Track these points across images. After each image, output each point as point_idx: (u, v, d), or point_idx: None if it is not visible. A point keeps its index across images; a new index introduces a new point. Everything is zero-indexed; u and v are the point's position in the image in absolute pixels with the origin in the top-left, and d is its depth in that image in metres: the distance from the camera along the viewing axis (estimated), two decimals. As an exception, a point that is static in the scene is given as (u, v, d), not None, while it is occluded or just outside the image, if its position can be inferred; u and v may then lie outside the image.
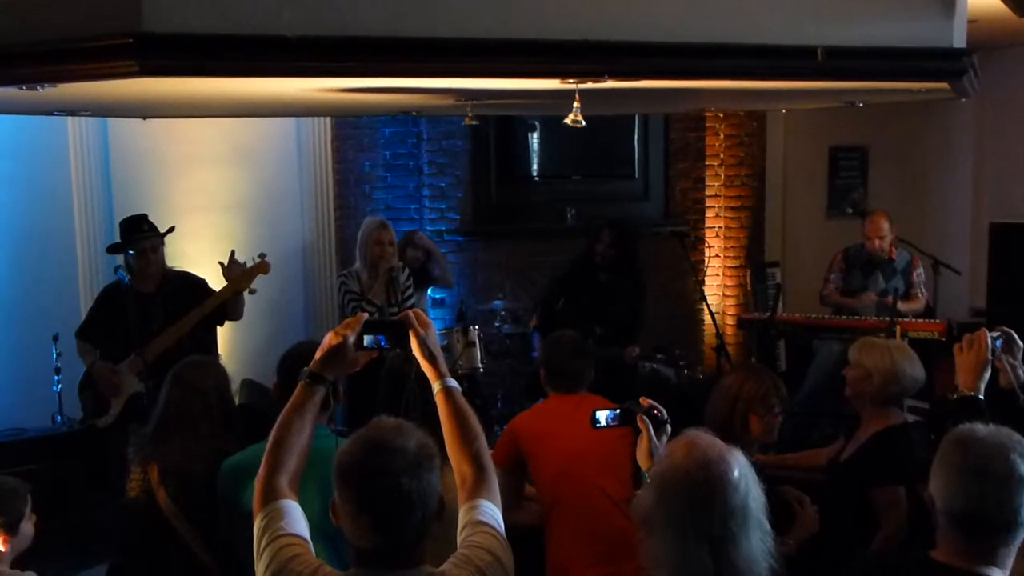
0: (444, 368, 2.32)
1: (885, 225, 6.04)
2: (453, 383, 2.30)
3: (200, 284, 4.99)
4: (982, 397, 2.91)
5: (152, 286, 4.82)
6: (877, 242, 6.04)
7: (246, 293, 4.94)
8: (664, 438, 2.72)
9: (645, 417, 2.68)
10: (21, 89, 3.10)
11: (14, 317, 4.76)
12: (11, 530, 2.83)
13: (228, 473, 3.01)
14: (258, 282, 4.97)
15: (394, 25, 2.75)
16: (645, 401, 2.74)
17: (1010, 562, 2.11)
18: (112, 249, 4.97)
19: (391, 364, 3.20)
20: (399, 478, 1.93)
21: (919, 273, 6.12)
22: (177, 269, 5.02)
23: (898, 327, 5.45)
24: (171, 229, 4.97)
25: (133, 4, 2.51)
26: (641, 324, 5.98)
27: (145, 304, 4.77)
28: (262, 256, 4.97)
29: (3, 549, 2.80)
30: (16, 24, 2.77)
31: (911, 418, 4.13)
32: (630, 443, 2.79)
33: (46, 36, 2.68)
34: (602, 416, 2.77)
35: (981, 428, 2.12)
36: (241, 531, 2.58)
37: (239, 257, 4.91)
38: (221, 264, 4.89)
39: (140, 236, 4.83)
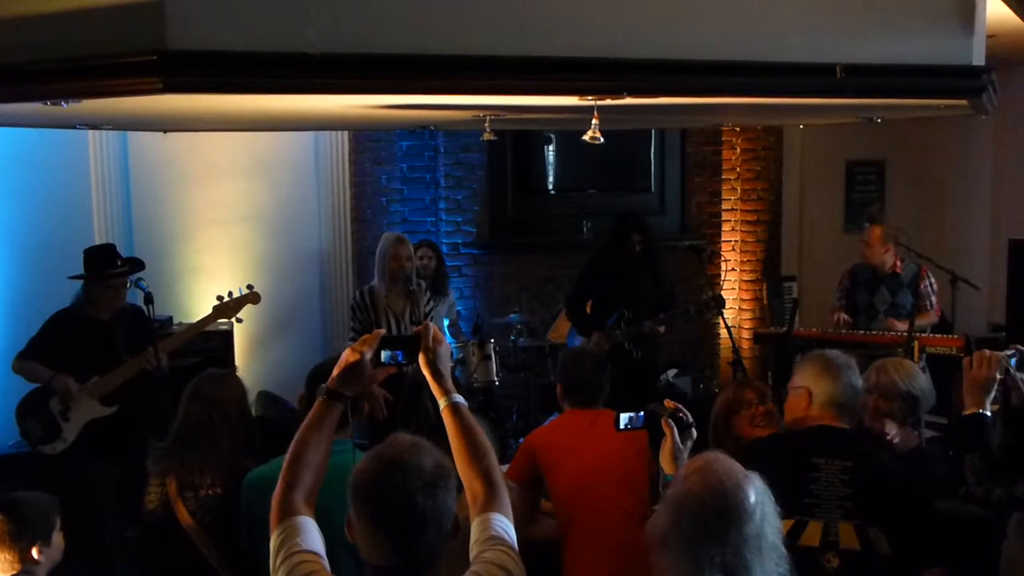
0: (450, 385, 2.29)
1: (879, 233, 5.88)
2: (459, 399, 2.27)
3: (149, 321, 4.92)
4: (989, 414, 2.91)
5: (109, 315, 4.77)
6: (867, 250, 5.87)
7: (233, 320, 5.03)
8: (689, 442, 2.67)
9: (670, 420, 2.64)
10: (45, 104, 3.13)
11: (33, 329, 4.78)
12: (45, 543, 2.87)
13: (253, 485, 3.01)
14: (276, 294, 4.99)
15: (416, 43, 2.76)
16: (670, 403, 2.69)
17: None
18: (96, 276, 4.73)
19: (410, 380, 3.20)
20: (414, 497, 1.93)
21: (928, 284, 5.90)
22: (129, 303, 4.94)
23: (916, 342, 5.40)
24: (142, 266, 4.96)
25: (157, 21, 2.53)
26: (672, 299, 5.94)
27: (106, 331, 4.72)
28: (250, 287, 5.02)
29: (38, 558, 2.84)
30: (41, 41, 2.79)
31: (929, 433, 4.11)
32: (647, 459, 2.74)
33: (71, 53, 2.70)
34: (625, 418, 2.70)
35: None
36: (264, 544, 2.58)
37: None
38: (219, 297, 4.95)
39: (116, 271, 4.76)
